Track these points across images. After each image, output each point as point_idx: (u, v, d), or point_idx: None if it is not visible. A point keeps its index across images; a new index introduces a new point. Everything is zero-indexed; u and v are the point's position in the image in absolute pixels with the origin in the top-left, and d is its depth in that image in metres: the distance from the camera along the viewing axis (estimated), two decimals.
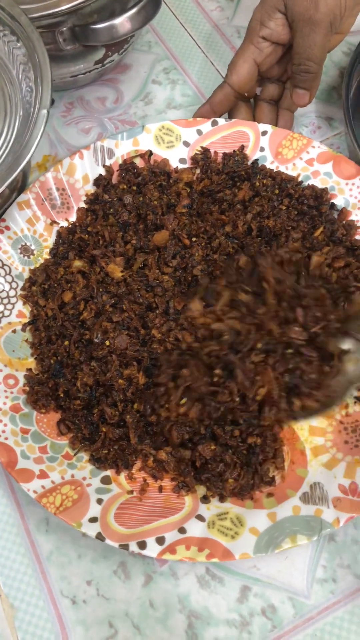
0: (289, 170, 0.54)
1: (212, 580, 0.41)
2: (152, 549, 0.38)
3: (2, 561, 0.42)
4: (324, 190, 0.51)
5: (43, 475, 0.41)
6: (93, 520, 0.39)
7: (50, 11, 0.52)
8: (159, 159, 0.54)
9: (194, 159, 0.54)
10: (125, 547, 0.38)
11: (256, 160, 0.54)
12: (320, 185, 0.52)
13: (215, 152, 0.54)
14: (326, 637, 0.39)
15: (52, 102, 0.48)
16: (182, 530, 0.39)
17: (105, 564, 0.42)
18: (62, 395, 0.45)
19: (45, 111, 0.46)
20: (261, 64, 0.52)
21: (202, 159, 0.54)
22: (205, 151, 0.54)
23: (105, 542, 0.38)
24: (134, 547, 0.38)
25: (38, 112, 0.46)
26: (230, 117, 0.56)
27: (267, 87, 0.54)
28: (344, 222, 0.51)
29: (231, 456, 0.41)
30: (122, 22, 0.54)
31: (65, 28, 0.54)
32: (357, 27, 0.65)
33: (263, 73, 0.53)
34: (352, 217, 0.51)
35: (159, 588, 0.41)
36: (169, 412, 0.40)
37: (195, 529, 0.39)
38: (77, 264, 0.49)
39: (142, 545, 0.38)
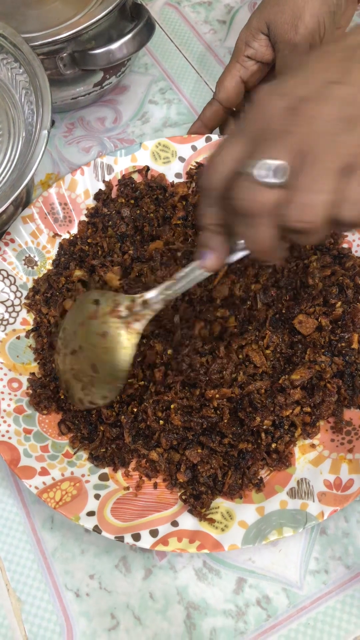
0: None
1: (209, 572, 0.43)
2: (146, 541, 0.40)
3: (10, 557, 0.44)
4: None
5: (44, 472, 0.44)
6: (91, 514, 0.41)
7: (51, 39, 0.56)
8: (155, 174, 0.57)
9: (189, 174, 0.57)
10: (120, 539, 0.40)
11: None
12: None
13: None
14: (319, 626, 0.41)
15: (53, 123, 0.51)
16: (174, 524, 0.41)
17: (107, 559, 0.44)
18: (62, 397, 0.47)
19: (45, 132, 0.49)
20: (247, 81, 0.55)
21: (197, 173, 0.57)
22: (199, 166, 0.57)
23: (102, 535, 0.40)
24: (128, 539, 0.40)
25: (39, 133, 0.49)
26: (221, 132, 0.59)
27: None
28: (331, 231, 0.53)
29: (218, 459, 0.43)
30: (119, 47, 0.57)
31: (65, 54, 0.57)
32: None
33: (250, 89, 0.56)
34: None
35: (159, 581, 0.43)
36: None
37: (187, 522, 0.41)
38: (78, 273, 0.52)
39: (137, 537, 0.40)
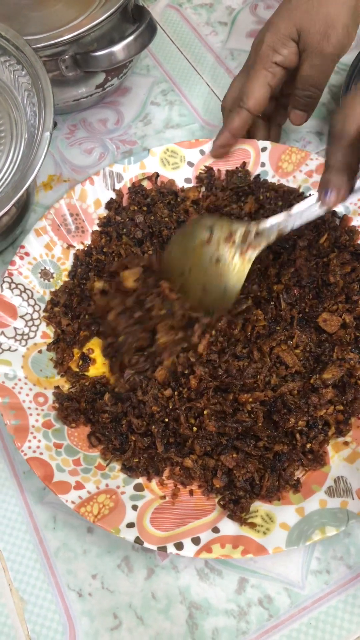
0: (290, 182, 0.56)
1: (211, 572, 0.43)
2: (189, 550, 0.40)
3: (12, 557, 0.45)
4: None
5: (79, 486, 0.43)
6: (130, 525, 0.41)
7: (53, 41, 0.56)
8: (165, 179, 0.57)
9: (198, 178, 0.57)
10: (163, 549, 0.39)
11: (258, 175, 0.56)
12: None
13: (219, 170, 0.57)
14: (321, 626, 0.41)
15: (55, 125, 0.52)
16: (215, 530, 0.41)
17: (110, 559, 0.44)
18: (85, 408, 0.47)
19: (48, 133, 0.49)
20: (273, 86, 0.53)
21: (207, 177, 0.57)
22: (209, 170, 0.57)
23: (145, 546, 0.39)
24: (171, 548, 0.39)
25: (41, 135, 0.50)
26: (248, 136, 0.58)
27: None
28: (346, 228, 0.53)
29: (254, 463, 0.43)
30: (121, 49, 0.57)
31: (67, 56, 0.57)
32: None
33: (273, 94, 0.55)
34: (353, 223, 0.53)
35: (161, 581, 0.43)
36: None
37: (228, 527, 0.41)
38: (98, 285, 0.52)
39: (179, 546, 0.40)
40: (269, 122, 0.58)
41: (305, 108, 0.54)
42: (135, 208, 0.55)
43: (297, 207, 0.44)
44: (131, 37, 0.57)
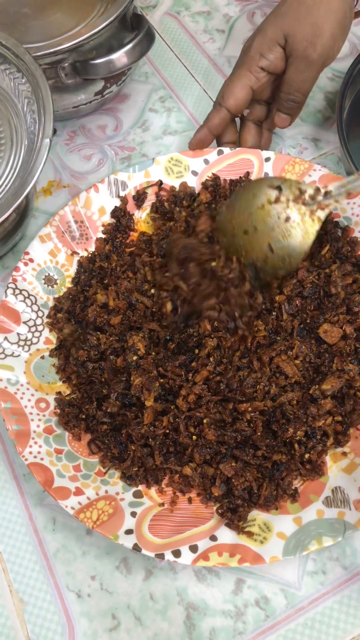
0: None
1: (209, 574, 0.44)
2: (187, 557, 0.40)
3: (12, 558, 0.45)
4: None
5: (79, 492, 0.43)
6: (129, 532, 0.41)
7: (53, 50, 0.57)
8: (167, 187, 0.58)
9: (204, 185, 0.57)
10: (161, 556, 0.40)
11: None
12: None
13: (224, 180, 0.58)
14: (317, 626, 0.42)
15: (54, 131, 0.53)
16: (213, 538, 0.42)
17: (108, 560, 0.45)
18: (84, 417, 0.47)
19: (47, 140, 0.50)
20: (256, 90, 0.55)
21: (212, 185, 0.57)
22: (215, 178, 0.57)
23: (142, 553, 0.40)
24: (169, 555, 0.40)
25: (41, 142, 0.50)
26: (219, 142, 0.59)
27: (254, 108, 0.58)
28: (348, 239, 0.54)
29: (253, 472, 0.44)
30: (119, 57, 0.58)
31: (66, 64, 0.58)
32: (342, 53, 0.70)
33: (254, 96, 0.57)
34: (355, 234, 0.54)
35: (159, 582, 0.44)
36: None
37: (226, 536, 0.42)
38: (100, 298, 0.52)
39: (177, 553, 0.40)
40: (261, 127, 0.59)
41: (290, 112, 0.55)
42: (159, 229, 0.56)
43: None
44: (129, 45, 0.58)
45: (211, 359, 0.46)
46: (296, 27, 0.50)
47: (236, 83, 0.54)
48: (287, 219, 0.47)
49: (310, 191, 0.47)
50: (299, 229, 0.47)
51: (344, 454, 0.45)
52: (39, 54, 0.56)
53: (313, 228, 0.47)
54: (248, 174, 0.57)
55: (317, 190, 0.46)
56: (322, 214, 0.46)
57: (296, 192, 0.47)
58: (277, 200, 0.47)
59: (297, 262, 0.48)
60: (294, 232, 0.47)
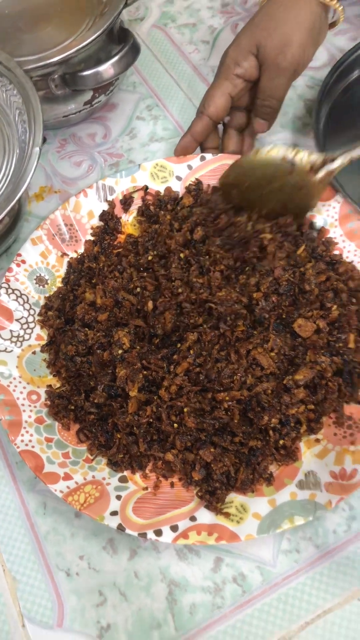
0: None
1: (189, 553, 0.47)
2: (168, 536, 0.43)
3: (5, 540, 0.48)
4: None
5: (67, 477, 0.46)
6: (114, 513, 0.44)
7: (43, 62, 0.60)
8: (152, 191, 0.61)
9: (188, 189, 0.60)
10: (143, 535, 0.43)
11: None
12: None
13: (207, 185, 0.60)
14: (290, 601, 0.44)
15: (45, 140, 0.56)
16: (192, 519, 0.44)
17: (96, 541, 0.48)
18: (73, 408, 0.50)
19: (37, 149, 0.53)
20: (234, 96, 0.59)
21: (195, 189, 0.60)
22: (198, 182, 0.60)
23: (126, 532, 0.43)
24: (151, 535, 0.43)
25: (32, 150, 0.54)
26: (202, 148, 0.62)
27: (235, 115, 0.61)
28: (323, 239, 0.57)
29: (230, 457, 0.47)
30: (106, 68, 0.61)
31: (56, 76, 0.62)
32: (321, 62, 0.73)
33: (233, 103, 0.60)
34: (330, 235, 0.57)
35: (143, 561, 0.47)
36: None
37: (205, 517, 0.44)
38: (89, 296, 0.55)
39: (159, 533, 0.43)
40: (242, 134, 0.62)
41: (266, 117, 0.58)
42: (142, 229, 0.59)
43: None
44: (116, 58, 0.61)
45: (191, 351, 0.49)
46: (267, 38, 0.54)
47: (215, 91, 0.57)
48: (301, 188, 0.54)
49: (318, 162, 0.53)
50: (310, 192, 0.55)
51: (317, 440, 0.48)
52: (30, 67, 0.59)
53: (321, 190, 0.55)
54: None
55: (325, 160, 0.53)
56: (329, 178, 0.54)
57: (307, 166, 0.53)
58: (291, 172, 0.54)
59: (307, 211, 0.57)
60: (305, 195, 0.55)
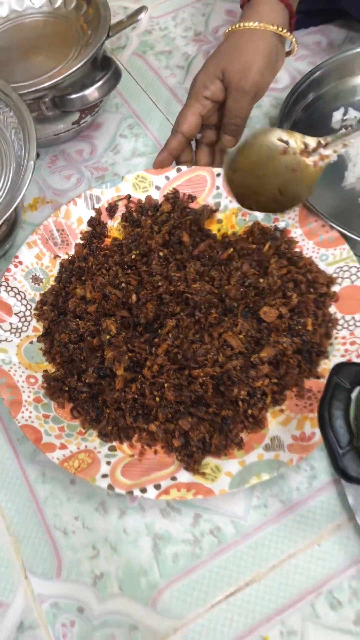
0: None
1: (172, 511, 0.53)
2: (151, 493, 0.49)
3: (9, 506, 0.54)
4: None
5: (63, 447, 0.53)
6: (104, 476, 0.50)
7: (35, 88, 0.68)
8: (135, 200, 0.68)
9: (166, 197, 0.68)
10: (130, 493, 0.49)
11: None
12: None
13: (183, 194, 0.68)
14: (259, 548, 0.51)
15: (38, 155, 0.63)
16: (173, 479, 0.51)
17: (89, 504, 0.54)
18: (67, 389, 0.57)
19: (32, 162, 0.61)
20: (204, 116, 0.67)
21: (172, 197, 0.68)
22: (175, 192, 0.68)
23: (116, 491, 0.49)
24: (137, 492, 0.49)
25: (27, 164, 0.61)
26: (177, 161, 0.70)
27: (206, 132, 0.69)
28: (286, 238, 0.64)
29: (206, 426, 0.53)
30: (91, 92, 0.69)
31: (47, 99, 0.69)
32: (283, 84, 0.82)
33: (203, 122, 0.68)
34: (291, 235, 0.65)
35: (131, 519, 0.53)
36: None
37: (184, 476, 0.51)
38: (79, 291, 0.62)
39: (144, 490, 0.49)
40: (213, 149, 0.70)
41: (233, 134, 0.66)
42: (122, 228, 0.67)
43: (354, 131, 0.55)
44: (100, 82, 0.69)
45: (170, 335, 0.56)
46: (231, 65, 0.62)
47: (187, 111, 0.65)
48: (294, 170, 0.57)
49: (312, 144, 0.56)
50: (304, 176, 0.57)
51: (281, 411, 0.55)
52: (24, 91, 0.67)
53: (316, 175, 0.57)
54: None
55: (319, 143, 0.56)
56: (322, 164, 0.56)
57: (301, 145, 0.56)
58: (285, 152, 0.57)
59: (302, 200, 0.59)
60: (299, 179, 0.57)
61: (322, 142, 0.56)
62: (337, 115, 0.75)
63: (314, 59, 0.83)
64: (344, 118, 0.75)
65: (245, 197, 0.60)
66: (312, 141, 0.56)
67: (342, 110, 0.76)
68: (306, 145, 0.56)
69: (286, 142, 0.57)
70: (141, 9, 0.74)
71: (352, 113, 0.75)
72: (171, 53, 0.86)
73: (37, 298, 0.64)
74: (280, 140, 0.57)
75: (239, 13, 0.65)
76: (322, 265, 0.62)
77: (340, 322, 0.59)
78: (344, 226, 0.62)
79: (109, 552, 0.52)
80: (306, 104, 0.76)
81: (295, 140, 0.56)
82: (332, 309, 0.60)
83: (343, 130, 0.55)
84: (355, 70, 0.78)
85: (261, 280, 0.60)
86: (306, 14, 0.83)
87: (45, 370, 0.59)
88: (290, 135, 0.56)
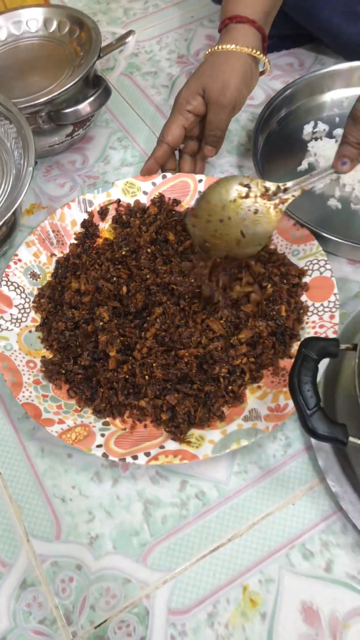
0: None
1: (160, 478, 0.58)
2: (142, 459, 0.54)
3: (11, 477, 0.59)
4: None
5: (61, 422, 0.58)
6: (99, 446, 0.55)
7: (32, 103, 0.74)
8: (124, 204, 0.75)
9: (152, 201, 0.74)
10: (123, 459, 0.54)
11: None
12: None
13: (169, 198, 0.75)
14: (240, 509, 0.56)
15: (36, 163, 0.70)
16: (162, 447, 0.56)
17: (85, 474, 0.59)
18: (64, 372, 0.62)
19: (31, 169, 0.67)
20: (187, 128, 0.73)
21: (158, 201, 0.75)
22: (161, 196, 0.75)
23: (109, 459, 0.54)
24: (129, 459, 0.54)
25: (26, 170, 0.67)
26: (163, 169, 0.77)
27: (188, 143, 0.76)
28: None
29: (191, 401, 0.59)
30: (84, 107, 0.76)
31: (43, 113, 0.76)
32: (258, 100, 0.90)
33: (186, 133, 0.75)
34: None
35: (123, 486, 0.58)
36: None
37: (171, 445, 0.56)
38: (74, 285, 0.67)
39: (135, 457, 0.54)
40: (195, 158, 0.77)
41: (213, 144, 0.73)
42: (112, 229, 0.73)
43: (317, 173, 0.60)
44: (91, 98, 0.76)
45: (158, 320, 0.62)
46: (211, 82, 0.69)
47: (172, 123, 0.72)
48: (256, 212, 0.62)
49: (272, 188, 0.61)
50: (265, 218, 0.61)
51: (259, 387, 0.61)
52: (22, 106, 0.74)
53: (276, 217, 0.62)
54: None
55: (278, 187, 0.61)
56: (283, 206, 0.62)
57: (262, 189, 0.61)
58: (246, 196, 0.61)
59: (264, 243, 0.63)
60: (261, 221, 0.61)
61: (282, 186, 0.60)
62: (308, 128, 0.83)
63: (286, 78, 0.91)
64: (314, 130, 0.83)
65: (207, 242, 0.65)
66: (272, 185, 0.61)
67: (312, 123, 0.83)
68: (267, 189, 0.60)
69: (247, 186, 0.61)
70: (129, 33, 0.82)
71: (321, 126, 0.83)
72: (156, 74, 0.94)
73: (35, 292, 0.69)
74: (242, 184, 0.61)
75: (218, 37, 0.73)
76: (294, 260, 0.69)
77: (311, 308, 0.65)
78: (312, 224, 0.69)
79: (103, 516, 0.57)
80: (279, 118, 0.84)
81: (256, 185, 0.61)
82: (304, 297, 0.66)
83: (302, 178, 0.61)
84: (323, 88, 0.86)
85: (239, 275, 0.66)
86: (279, 39, 0.92)
87: (44, 356, 0.65)
88: (251, 180, 0.61)
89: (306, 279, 0.67)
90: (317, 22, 0.83)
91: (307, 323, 0.64)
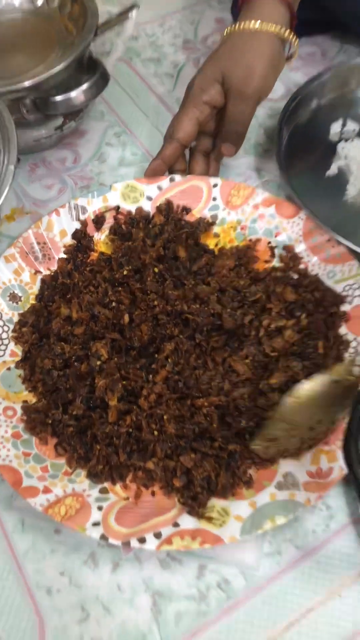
0: (239, 214, 0.62)
1: (172, 561, 0.46)
2: (151, 543, 0.43)
3: None
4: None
5: (47, 490, 0.46)
6: (96, 524, 0.44)
7: (14, 87, 0.62)
8: (124, 211, 0.63)
9: (158, 209, 0.62)
10: (127, 544, 0.42)
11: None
12: (266, 226, 0.61)
13: (177, 205, 0.63)
14: (274, 602, 0.45)
15: (18, 160, 0.57)
16: (176, 525, 0.44)
17: (76, 556, 0.47)
18: (50, 422, 0.50)
19: (12, 167, 0.54)
20: (202, 122, 0.61)
21: (165, 209, 0.62)
22: (168, 203, 0.63)
23: (110, 542, 0.42)
24: (134, 543, 0.42)
25: (7, 168, 0.55)
26: (171, 170, 0.65)
27: (201, 140, 0.64)
28: (290, 254, 0.59)
29: (211, 462, 0.47)
30: (77, 95, 0.64)
31: (27, 100, 0.63)
32: (278, 95, 0.78)
33: (200, 129, 0.63)
34: (295, 250, 0.60)
35: (125, 573, 0.46)
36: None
37: (187, 522, 0.44)
38: (64, 311, 0.55)
39: (142, 540, 0.43)
40: (208, 157, 0.65)
41: (234, 141, 0.61)
42: (113, 240, 0.61)
43: None
44: (86, 85, 0.64)
45: (169, 360, 0.50)
46: (232, 68, 0.57)
47: (184, 117, 0.60)
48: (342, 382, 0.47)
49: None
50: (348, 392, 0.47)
51: None
52: (1, 90, 0.61)
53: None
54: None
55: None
56: None
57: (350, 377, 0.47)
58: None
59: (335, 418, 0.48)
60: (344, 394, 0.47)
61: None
62: (336, 127, 0.72)
63: (307, 70, 0.79)
64: (343, 130, 0.72)
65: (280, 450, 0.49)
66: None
67: (340, 121, 0.72)
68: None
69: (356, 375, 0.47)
70: (132, 7, 0.69)
71: (351, 125, 0.72)
72: (159, 60, 0.82)
73: (16, 318, 0.57)
74: (350, 372, 0.47)
75: (229, 21, 0.61)
76: (329, 283, 0.57)
77: (353, 343, 0.54)
78: (349, 241, 0.58)
79: (100, 614, 0.44)
80: (304, 115, 0.73)
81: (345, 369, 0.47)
82: (343, 329, 0.55)
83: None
84: (352, 82, 0.75)
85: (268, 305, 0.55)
86: (301, 23, 0.80)
87: (25, 401, 0.52)
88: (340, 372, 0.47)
89: (345, 307, 0.55)
90: (350, 4, 0.72)
91: None
